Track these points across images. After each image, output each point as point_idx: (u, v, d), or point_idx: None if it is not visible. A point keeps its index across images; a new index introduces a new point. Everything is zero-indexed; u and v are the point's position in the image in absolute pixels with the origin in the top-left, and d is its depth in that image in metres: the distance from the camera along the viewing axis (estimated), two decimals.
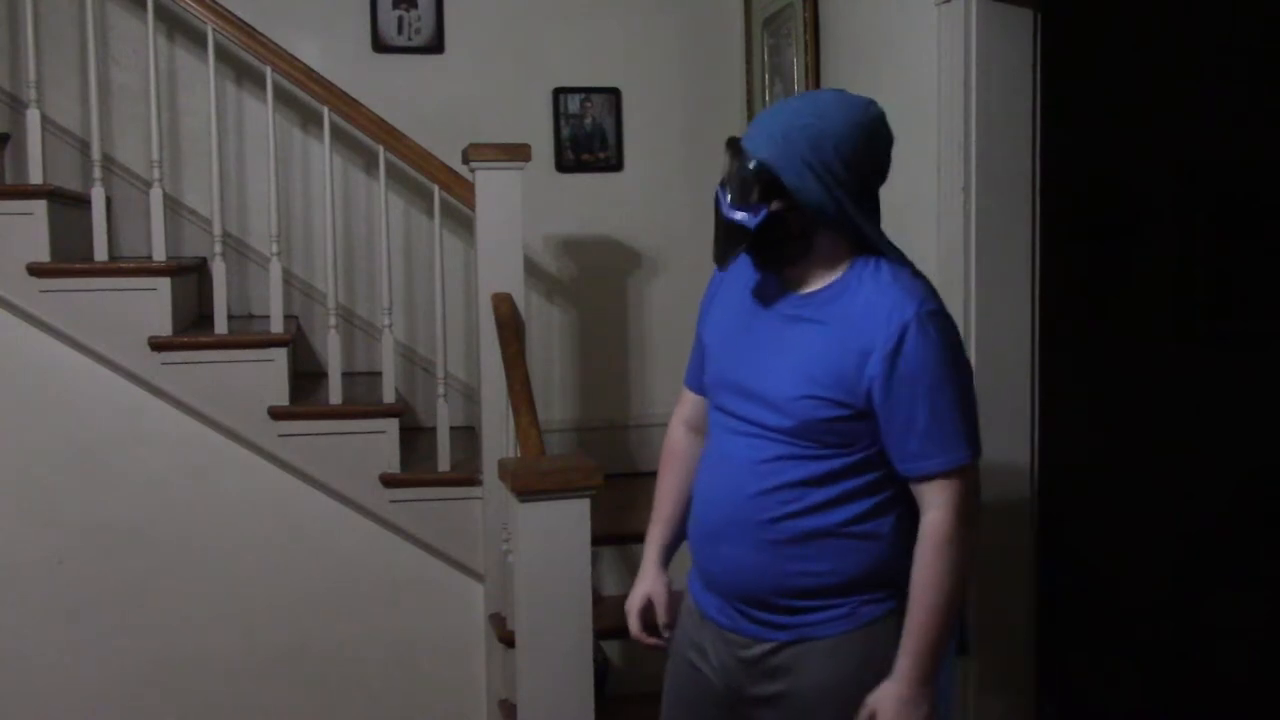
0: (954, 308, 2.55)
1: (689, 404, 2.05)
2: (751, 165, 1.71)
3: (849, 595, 1.76)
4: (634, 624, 2.04)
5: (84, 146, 3.55)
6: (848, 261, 1.77)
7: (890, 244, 1.79)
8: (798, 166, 1.69)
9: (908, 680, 1.71)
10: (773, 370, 1.75)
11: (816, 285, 1.77)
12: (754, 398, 1.77)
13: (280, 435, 3.20)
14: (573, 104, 4.02)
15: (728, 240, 1.77)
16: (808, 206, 1.70)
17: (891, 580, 1.76)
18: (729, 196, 1.75)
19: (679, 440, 2.06)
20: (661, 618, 2.02)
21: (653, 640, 2.04)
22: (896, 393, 1.67)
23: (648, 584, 2.03)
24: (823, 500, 1.73)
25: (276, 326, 3.26)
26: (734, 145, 1.77)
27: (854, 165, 1.71)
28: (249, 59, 3.50)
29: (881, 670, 1.75)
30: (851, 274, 1.75)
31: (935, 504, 1.70)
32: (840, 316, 1.73)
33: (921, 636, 1.70)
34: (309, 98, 3.38)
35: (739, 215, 1.73)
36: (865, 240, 1.77)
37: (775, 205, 1.71)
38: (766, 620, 1.79)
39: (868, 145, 1.73)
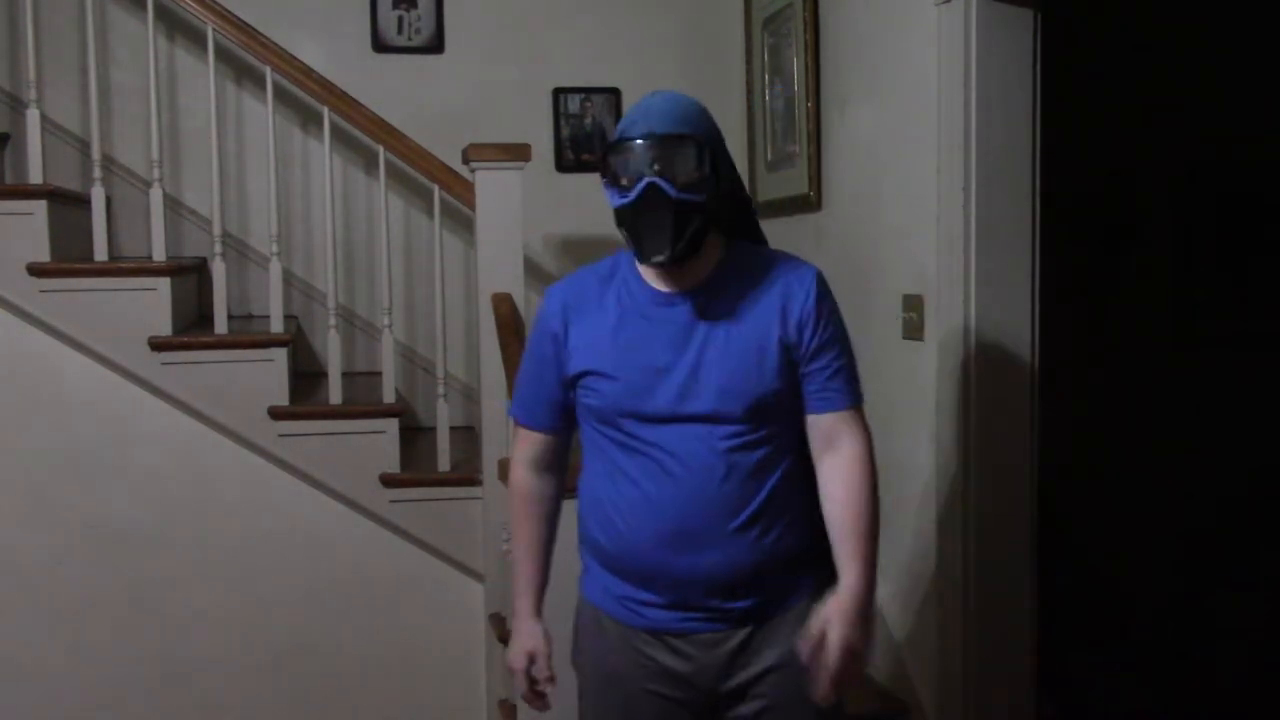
0: (954, 308, 2.57)
1: (530, 443, 1.97)
2: (685, 140, 1.75)
3: (808, 563, 1.85)
4: (523, 684, 1.95)
5: (84, 146, 3.54)
6: (721, 246, 1.87)
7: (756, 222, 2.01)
8: (714, 143, 1.80)
9: (857, 591, 1.77)
10: (712, 361, 1.79)
11: (702, 274, 1.84)
12: (696, 394, 1.77)
13: (280, 435, 3.21)
14: (573, 104, 4.02)
15: (678, 224, 1.75)
16: (724, 179, 1.82)
17: (821, 548, 1.85)
18: (669, 182, 1.73)
19: (528, 484, 1.98)
20: (543, 672, 1.93)
21: (541, 701, 1.95)
22: (821, 337, 1.82)
23: (527, 639, 1.94)
24: (776, 475, 1.81)
25: (276, 326, 3.26)
26: (651, 137, 1.74)
27: (722, 142, 1.85)
28: (249, 59, 3.50)
29: None
30: (730, 255, 1.87)
31: (851, 434, 1.84)
32: (747, 292, 1.83)
33: (865, 547, 1.80)
34: (309, 98, 3.39)
35: (688, 195, 1.75)
36: (743, 219, 1.95)
37: (712, 176, 1.78)
38: (746, 608, 1.82)
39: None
